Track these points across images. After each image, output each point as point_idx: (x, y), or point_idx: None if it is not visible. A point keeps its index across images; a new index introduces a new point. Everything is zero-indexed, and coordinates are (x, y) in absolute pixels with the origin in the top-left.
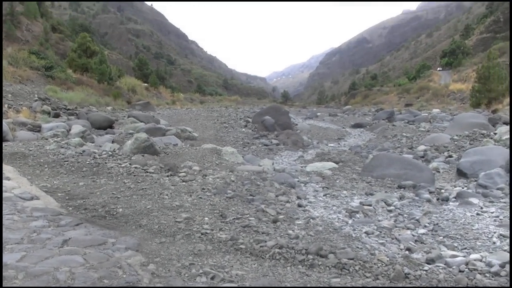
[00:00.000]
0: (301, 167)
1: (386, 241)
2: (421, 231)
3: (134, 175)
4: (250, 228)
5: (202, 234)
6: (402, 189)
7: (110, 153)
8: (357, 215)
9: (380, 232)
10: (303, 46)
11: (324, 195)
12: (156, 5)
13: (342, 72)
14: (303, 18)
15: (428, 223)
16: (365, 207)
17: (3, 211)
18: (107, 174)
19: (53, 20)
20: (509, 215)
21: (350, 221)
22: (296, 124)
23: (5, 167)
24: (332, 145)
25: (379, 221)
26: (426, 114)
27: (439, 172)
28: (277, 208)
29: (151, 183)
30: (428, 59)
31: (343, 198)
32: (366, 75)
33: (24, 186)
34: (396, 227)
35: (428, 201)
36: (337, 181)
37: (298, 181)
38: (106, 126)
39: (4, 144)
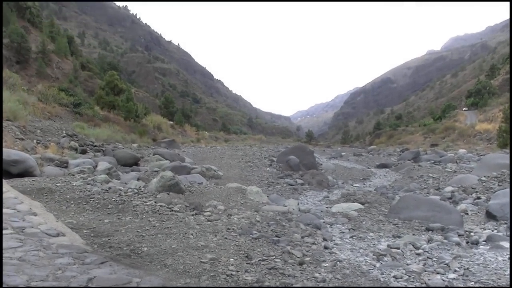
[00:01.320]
0: (327, 207)
1: (416, 286)
2: (451, 275)
3: (159, 214)
4: (276, 270)
5: (227, 275)
6: (430, 232)
7: (135, 190)
8: (385, 258)
9: (409, 276)
10: (327, 86)
11: (350, 237)
12: (183, 45)
13: (366, 111)
14: (328, 58)
15: (459, 268)
16: (393, 250)
17: (29, 247)
18: (132, 212)
19: (83, 58)
20: None
21: (378, 265)
22: (321, 164)
23: (32, 202)
24: (357, 185)
25: (407, 265)
26: (452, 155)
27: (467, 214)
28: (303, 250)
29: (176, 222)
30: (453, 99)
31: (370, 241)
32: (391, 115)
33: (50, 222)
34: (425, 271)
35: (458, 244)
36: (364, 223)
37: (324, 222)
38: (132, 163)
39: (31, 179)
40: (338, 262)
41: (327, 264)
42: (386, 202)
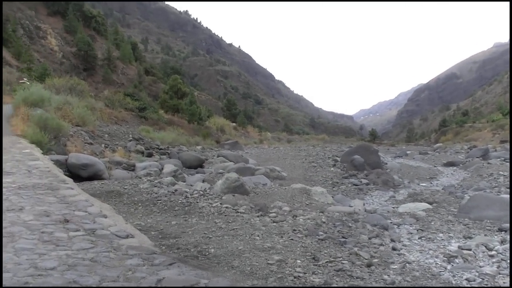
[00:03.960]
0: (393, 207)
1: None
2: None
3: (225, 215)
4: (343, 272)
5: (295, 277)
6: (503, 232)
7: (201, 192)
8: (456, 260)
9: (483, 279)
10: (390, 83)
11: (419, 238)
12: (243, 47)
13: (431, 109)
14: (390, 55)
15: None
16: (464, 251)
17: (100, 249)
18: (199, 214)
19: (146, 64)
20: None
21: (449, 267)
22: (386, 163)
23: (102, 205)
24: (424, 184)
25: (480, 267)
26: None
27: None
28: (370, 251)
29: (242, 223)
30: None
31: (440, 242)
32: (457, 111)
33: (120, 224)
34: (499, 274)
35: None
36: (432, 223)
37: (391, 222)
38: (197, 165)
39: (101, 182)
40: (407, 264)
41: (396, 266)
42: (455, 201)
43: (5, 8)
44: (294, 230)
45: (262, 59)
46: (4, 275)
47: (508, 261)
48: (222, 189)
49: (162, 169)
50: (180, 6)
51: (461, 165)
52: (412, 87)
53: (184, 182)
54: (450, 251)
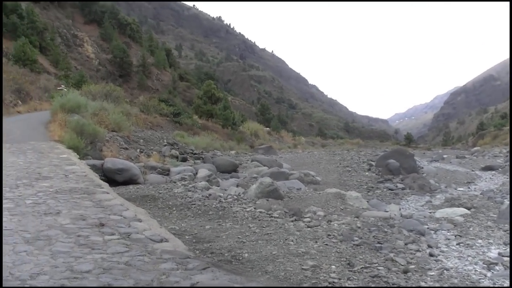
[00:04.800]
0: (430, 213)
1: None
2: None
3: (259, 220)
4: (379, 278)
5: (329, 283)
6: None
7: (235, 197)
8: (497, 267)
9: None
10: (425, 86)
11: (457, 244)
12: (276, 52)
13: (468, 111)
14: (425, 58)
15: None
16: (505, 258)
17: (135, 252)
18: (233, 218)
19: (180, 70)
20: None
21: (489, 274)
22: (422, 167)
23: (137, 209)
24: (461, 189)
25: None
26: None
27: None
28: (407, 257)
29: (276, 228)
30: None
31: (479, 248)
32: (495, 114)
33: (154, 228)
34: None
35: None
36: (471, 229)
37: (428, 228)
38: (231, 170)
39: (136, 186)
40: (445, 271)
41: (433, 273)
42: (494, 206)
43: (43, 17)
44: (329, 235)
45: (295, 63)
46: (41, 277)
47: None
48: (256, 193)
49: (196, 173)
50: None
51: (500, 169)
52: (448, 90)
53: (218, 186)
54: (490, 258)
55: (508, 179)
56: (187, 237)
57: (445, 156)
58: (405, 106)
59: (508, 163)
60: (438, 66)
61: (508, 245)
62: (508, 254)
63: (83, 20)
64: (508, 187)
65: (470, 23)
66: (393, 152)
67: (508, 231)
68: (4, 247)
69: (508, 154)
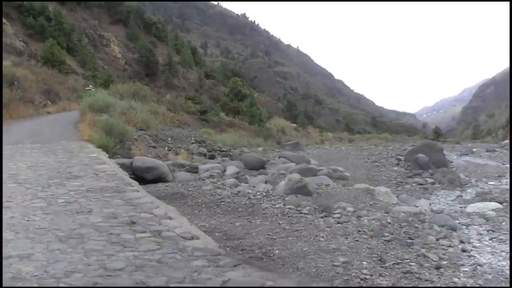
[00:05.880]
0: (461, 207)
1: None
2: None
3: (288, 216)
4: (411, 274)
5: (361, 279)
6: None
7: (264, 193)
8: None
9: None
10: (453, 79)
11: (490, 239)
12: (302, 47)
13: (498, 104)
14: (452, 50)
15: None
16: None
17: (166, 250)
18: (262, 215)
19: (206, 68)
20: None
21: None
22: (451, 161)
23: (167, 207)
24: (492, 183)
25: None
26: None
27: None
28: (439, 253)
29: (306, 224)
30: None
31: None
32: None
33: (185, 225)
34: None
35: None
36: (503, 224)
37: (459, 223)
38: (259, 166)
39: (165, 184)
40: (478, 266)
41: (466, 269)
42: None
43: (70, 18)
44: (359, 231)
45: (321, 58)
46: (75, 275)
47: None
48: (285, 190)
49: (225, 171)
50: (238, 10)
51: None
52: (477, 82)
53: (247, 183)
54: None
55: None
56: (217, 234)
57: (474, 149)
58: (433, 100)
59: None
60: (466, 58)
61: None
62: None
63: (109, 20)
64: None
65: (498, 12)
66: (422, 146)
67: None
68: (38, 245)
69: None
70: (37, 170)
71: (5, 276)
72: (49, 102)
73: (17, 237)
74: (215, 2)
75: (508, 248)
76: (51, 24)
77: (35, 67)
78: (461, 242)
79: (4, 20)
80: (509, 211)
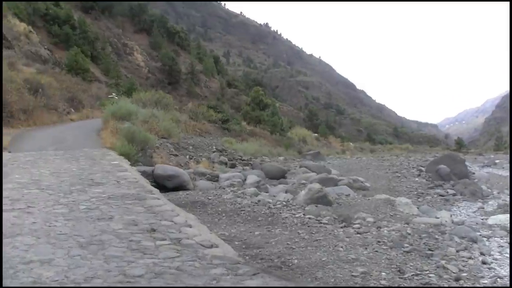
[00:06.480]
0: (482, 219)
1: None
2: None
3: (308, 226)
4: (430, 286)
5: None
6: None
7: (284, 203)
8: None
9: None
10: (476, 90)
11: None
12: (324, 57)
13: None
14: (476, 61)
15: None
16: None
17: (186, 258)
18: (282, 224)
19: (228, 77)
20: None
21: None
22: (473, 173)
23: (187, 215)
24: None
25: None
26: None
27: None
28: (459, 265)
29: (325, 234)
30: None
31: None
32: None
33: (204, 233)
34: None
35: None
36: None
37: (480, 235)
38: (279, 176)
39: (185, 192)
40: (498, 279)
41: (486, 281)
42: None
43: (94, 27)
44: (379, 241)
45: (343, 68)
46: (95, 281)
47: None
48: (305, 199)
49: (245, 179)
50: (260, 19)
51: None
52: (500, 93)
53: (267, 192)
54: None
55: None
56: (236, 243)
57: (497, 161)
58: (455, 111)
59: None
60: (489, 68)
61: None
62: None
63: (132, 29)
64: None
65: None
66: (444, 158)
67: None
68: (59, 251)
69: None
70: (59, 177)
71: (26, 280)
72: (72, 110)
73: (38, 242)
74: (238, 11)
75: None
76: (75, 33)
77: (60, 74)
78: (482, 254)
79: (30, 28)
80: None
